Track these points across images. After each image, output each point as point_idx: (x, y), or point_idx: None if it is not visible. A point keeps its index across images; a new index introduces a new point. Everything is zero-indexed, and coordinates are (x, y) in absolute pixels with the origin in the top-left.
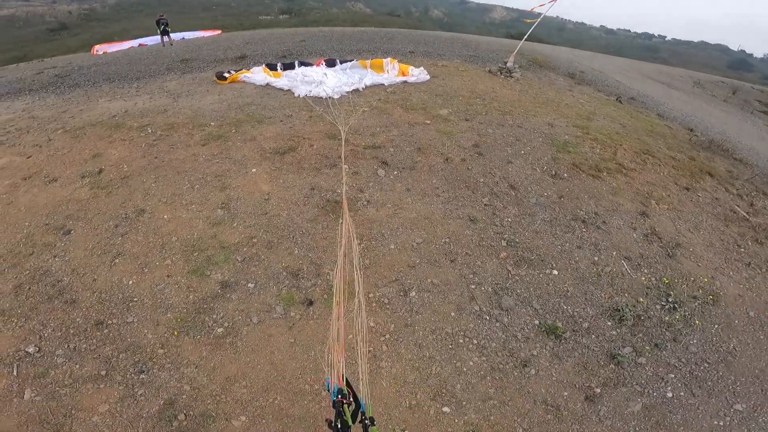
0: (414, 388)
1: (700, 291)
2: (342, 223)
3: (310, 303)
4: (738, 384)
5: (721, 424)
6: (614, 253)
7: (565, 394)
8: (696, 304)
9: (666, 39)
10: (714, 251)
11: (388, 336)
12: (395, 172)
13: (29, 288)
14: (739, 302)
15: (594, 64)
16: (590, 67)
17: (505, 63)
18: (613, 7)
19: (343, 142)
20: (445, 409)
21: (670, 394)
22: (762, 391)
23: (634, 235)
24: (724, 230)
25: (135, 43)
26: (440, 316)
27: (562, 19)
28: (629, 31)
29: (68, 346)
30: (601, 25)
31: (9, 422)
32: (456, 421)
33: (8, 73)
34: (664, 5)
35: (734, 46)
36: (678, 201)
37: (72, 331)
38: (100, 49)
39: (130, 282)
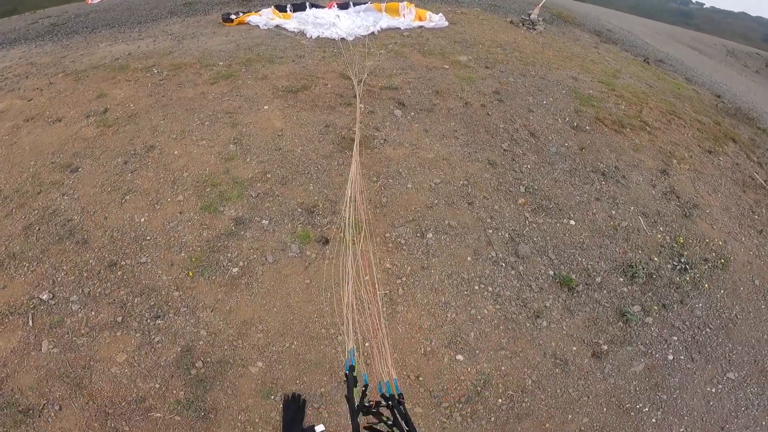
0: (429, 334)
1: (713, 254)
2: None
3: (326, 241)
4: (734, 352)
5: (713, 391)
6: (632, 208)
7: (574, 348)
8: (706, 266)
9: (704, 6)
10: (729, 216)
11: (404, 279)
12: (412, 113)
13: (39, 228)
14: (747, 269)
15: (622, 24)
16: (618, 26)
17: (529, 15)
18: None
19: (359, 88)
20: (459, 357)
21: (671, 357)
22: (755, 361)
23: (653, 191)
24: (741, 196)
25: None
26: (457, 260)
27: None
28: None
29: (82, 291)
30: None
31: (29, 378)
32: (469, 369)
33: (1, 25)
34: None
35: None
36: (699, 163)
37: (85, 275)
38: None
39: (142, 219)
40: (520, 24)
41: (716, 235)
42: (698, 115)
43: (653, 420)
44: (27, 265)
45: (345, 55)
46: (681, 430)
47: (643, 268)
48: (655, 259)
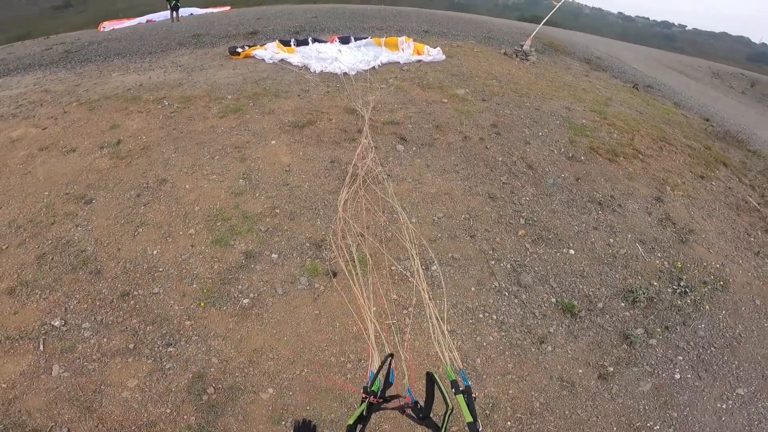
0: (436, 361)
1: (711, 277)
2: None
3: (334, 274)
4: (741, 369)
5: (724, 407)
6: (629, 235)
7: (580, 371)
8: (706, 289)
9: (686, 29)
10: (725, 239)
11: (411, 309)
12: (414, 148)
13: (52, 258)
14: (747, 290)
15: (610, 51)
16: (607, 53)
17: (521, 46)
18: None
19: (367, 120)
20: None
21: (678, 376)
22: (763, 377)
23: (649, 219)
24: (736, 219)
25: (143, 19)
26: (461, 291)
27: (578, 4)
28: (648, 18)
29: (95, 318)
30: (618, 12)
31: (38, 400)
32: (477, 393)
33: (15, 50)
34: None
35: (756, 39)
36: (692, 188)
37: (98, 303)
38: (108, 26)
39: (155, 252)
40: (514, 55)
41: (713, 259)
42: (688, 141)
43: None
44: (39, 292)
45: (348, 90)
46: None
47: (644, 293)
48: (655, 283)
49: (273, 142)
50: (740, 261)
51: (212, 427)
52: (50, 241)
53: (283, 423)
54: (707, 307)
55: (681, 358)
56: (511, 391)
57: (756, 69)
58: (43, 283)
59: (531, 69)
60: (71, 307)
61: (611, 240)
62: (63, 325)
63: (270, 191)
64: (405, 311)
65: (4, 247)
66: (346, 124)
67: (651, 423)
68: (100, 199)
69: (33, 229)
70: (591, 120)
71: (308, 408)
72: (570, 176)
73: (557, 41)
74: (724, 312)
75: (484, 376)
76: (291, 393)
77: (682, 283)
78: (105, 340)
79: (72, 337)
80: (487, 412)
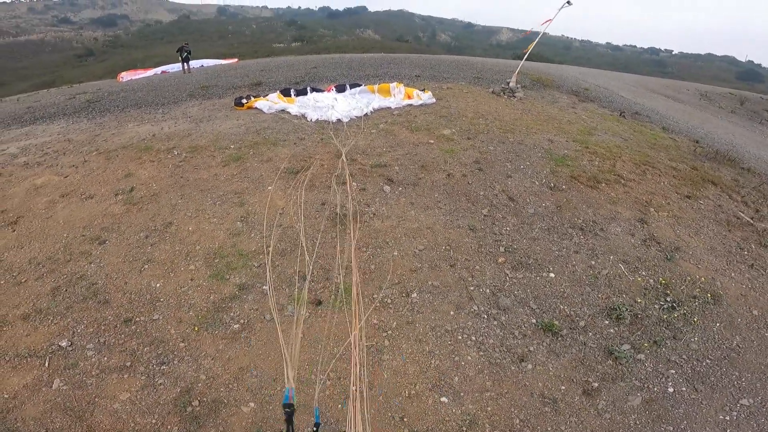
0: (413, 379)
1: (699, 290)
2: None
3: (319, 303)
4: (743, 380)
5: (728, 418)
6: (611, 257)
7: (563, 388)
8: (696, 303)
9: (673, 53)
10: (715, 254)
11: (390, 332)
12: (400, 188)
13: (66, 290)
14: (742, 301)
15: (599, 81)
16: (595, 84)
17: (508, 83)
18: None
19: (344, 158)
20: (443, 399)
21: (671, 389)
22: None
23: (632, 240)
24: (727, 235)
25: (158, 70)
26: (440, 315)
27: (567, 38)
28: (635, 46)
29: (98, 340)
30: (606, 42)
31: (34, 410)
32: (453, 411)
33: (42, 98)
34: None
35: (742, 57)
36: (678, 208)
37: (103, 328)
38: (126, 76)
39: (158, 285)
40: (501, 93)
41: (702, 274)
42: (674, 163)
43: None
44: (51, 318)
45: (341, 137)
46: None
47: (628, 309)
48: (640, 300)
49: (269, 187)
50: (732, 274)
51: None
52: (65, 276)
53: None
54: (698, 320)
55: (673, 371)
56: (489, 408)
57: (746, 87)
58: (56, 310)
59: (517, 105)
60: (78, 330)
61: (593, 262)
62: (69, 346)
63: (264, 232)
64: (384, 333)
65: (23, 281)
66: (337, 169)
67: None
68: (113, 240)
69: (51, 266)
70: (573, 150)
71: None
72: (551, 205)
73: (546, 76)
74: (718, 324)
75: (462, 394)
76: (271, 407)
77: (668, 299)
78: (105, 358)
79: (76, 356)
80: (464, 429)
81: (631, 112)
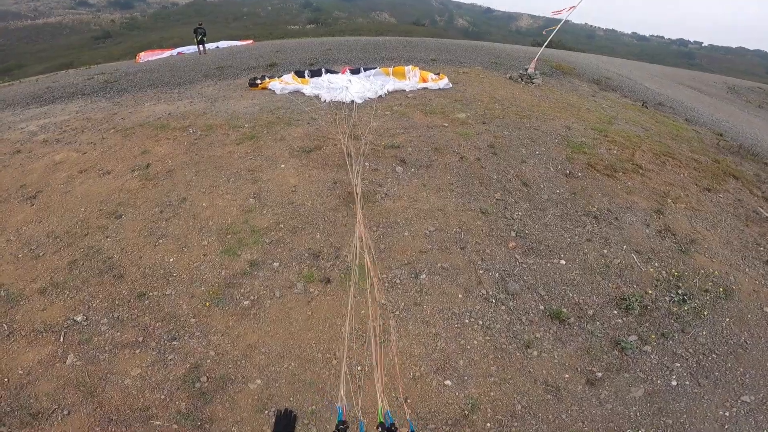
0: (418, 361)
1: (712, 284)
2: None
3: (328, 281)
4: (747, 376)
5: (727, 414)
6: (624, 246)
7: (566, 376)
8: (707, 297)
9: (702, 45)
10: (731, 249)
11: (398, 313)
12: (412, 170)
13: (82, 264)
14: (753, 298)
15: (622, 71)
16: (618, 73)
17: (526, 69)
18: (644, 14)
19: (345, 139)
20: (447, 382)
21: (674, 383)
22: None
23: (647, 231)
24: (744, 230)
25: (174, 51)
26: (448, 298)
27: (591, 26)
28: (663, 37)
29: (112, 315)
30: (632, 32)
31: (48, 386)
32: (457, 394)
33: (60, 79)
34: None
35: None
36: (696, 201)
37: (117, 302)
38: (144, 56)
39: (171, 260)
40: (519, 79)
41: (716, 268)
42: (695, 155)
43: None
44: (67, 293)
45: (354, 118)
46: None
47: (638, 300)
48: (651, 292)
49: (282, 166)
50: (746, 270)
51: (200, 413)
52: (82, 250)
53: (266, 412)
54: (706, 314)
55: (678, 364)
56: (492, 393)
57: None
58: (72, 284)
59: (535, 92)
60: (94, 305)
61: (605, 251)
62: (84, 320)
63: (276, 209)
64: (392, 314)
65: (41, 254)
66: (350, 149)
67: (643, 430)
68: (129, 215)
69: (68, 240)
70: (591, 138)
71: (291, 399)
72: (565, 191)
73: (566, 63)
74: (727, 319)
75: (466, 378)
76: (277, 384)
77: (680, 291)
78: (118, 333)
79: (90, 331)
80: (466, 413)
81: (654, 102)
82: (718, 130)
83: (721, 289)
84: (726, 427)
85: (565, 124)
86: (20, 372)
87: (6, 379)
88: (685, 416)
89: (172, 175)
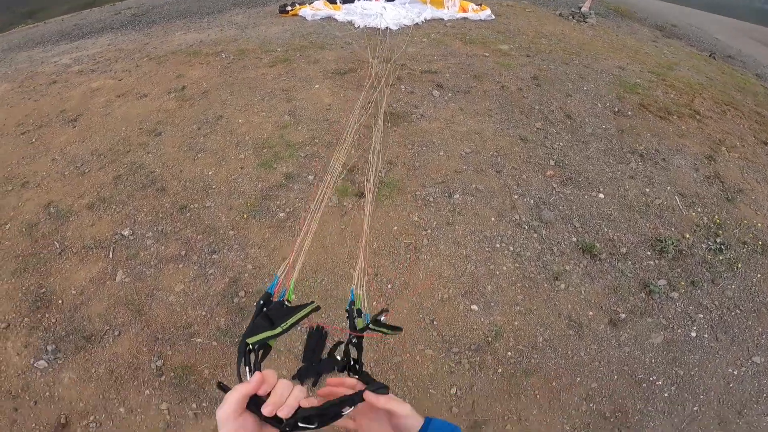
0: (447, 282)
1: (751, 237)
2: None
3: (362, 195)
4: (764, 337)
5: (735, 373)
6: (668, 188)
7: (590, 313)
8: (744, 249)
9: None
10: None
11: (429, 231)
12: (450, 94)
13: (127, 178)
14: None
15: (691, 20)
16: (686, 22)
17: (580, 7)
18: None
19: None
20: (474, 307)
21: (694, 334)
22: None
23: (695, 175)
24: None
25: None
26: (481, 220)
27: None
28: None
29: (156, 228)
30: None
31: (100, 306)
32: (482, 320)
33: (86, 16)
34: None
35: None
36: (752, 153)
37: (161, 216)
38: None
39: (210, 173)
40: (570, 17)
41: (759, 221)
42: (759, 108)
43: (665, 394)
44: (114, 207)
45: (390, 43)
46: (694, 408)
47: (673, 244)
48: (688, 236)
49: (317, 86)
50: None
51: (238, 329)
52: (126, 165)
53: (299, 328)
54: (741, 267)
55: (701, 316)
56: (516, 323)
57: None
58: (118, 199)
59: (587, 31)
60: (139, 219)
61: (647, 190)
62: (131, 234)
63: (311, 125)
64: (424, 232)
65: (86, 171)
66: (385, 73)
67: (654, 377)
68: (168, 132)
69: (112, 156)
70: (647, 80)
71: (323, 316)
72: (612, 128)
73: (625, 5)
74: (759, 275)
75: (492, 304)
76: (310, 299)
77: (718, 240)
78: (163, 247)
79: (136, 246)
80: (489, 340)
81: (723, 55)
82: None
83: (760, 243)
84: (731, 385)
85: (618, 64)
86: (73, 292)
87: (60, 301)
88: (696, 369)
89: (207, 95)
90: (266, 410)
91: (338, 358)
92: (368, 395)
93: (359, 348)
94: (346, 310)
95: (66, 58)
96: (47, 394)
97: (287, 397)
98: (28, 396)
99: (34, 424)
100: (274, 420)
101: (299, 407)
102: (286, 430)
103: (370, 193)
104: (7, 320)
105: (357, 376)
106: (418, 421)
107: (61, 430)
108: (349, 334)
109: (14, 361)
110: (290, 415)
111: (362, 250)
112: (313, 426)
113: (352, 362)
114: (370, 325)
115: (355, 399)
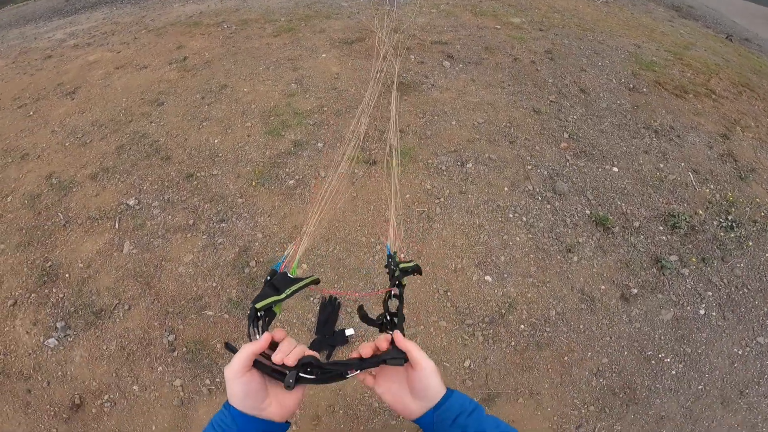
0: (461, 252)
1: (762, 216)
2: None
3: (373, 163)
4: None
5: (740, 353)
6: (682, 164)
7: (603, 287)
8: (754, 228)
9: None
10: None
11: (442, 199)
12: (461, 65)
13: (130, 148)
14: None
15: (709, 2)
16: (703, 3)
17: None
18: None
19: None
20: (488, 277)
21: (702, 312)
22: None
23: (709, 152)
24: None
25: None
26: (494, 189)
27: None
28: None
29: (163, 197)
30: None
31: (108, 279)
32: (496, 291)
33: None
34: None
35: None
36: (766, 133)
37: (167, 184)
38: None
39: (216, 141)
40: None
41: None
42: None
43: (673, 372)
44: (118, 177)
45: (398, 13)
46: (699, 386)
47: (686, 220)
48: (701, 213)
49: (324, 55)
50: None
51: (249, 300)
52: (128, 135)
53: (311, 299)
54: (751, 244)
55: (710, 293)
56: (529, 295)
57: None
58: (122, 168)
59: (602, 7)
60: (144, 188)
61: (661, 165)
62: (137, 204)
63: (319, 93)
64: (437, 200)
65: (88, 141)
66: (394, 42)
67: (663, 354)
68: (171, 102)
69: (113, 127)
70: (663, 58)
71: (336, 286)
72: (627, 103)
73: None
74: (767, 254)
75: (506, 275)
76: (322, 270)
77: (729, 218)
78: (170, 217)
79: (143, 215)
80: (503, 312)
81: (740, 37)
82: None
83: None
84: (735, 365)
85: (634, 42)
86: (80, 265)
87: (67, 275)
88: (703, 347)
89: (210, 65)
90: (276, 357)
91: (372, 318)
92: (397, 335)
93: (401, 299)
94: (385, 266)
95: (60, 33)
96: (59, 373)
97: (293, 349)
98: (40, 377)
99: (48, 406)
100: (279, 375)
101: (303, 356)
102: (290, 382)
103: (394, 159)
104: (14, 296)
105: (391, 333)
106: (440, 386)
107: (76, 410)
108: (393, 286)
109: (24, 340)
110: (295, 364)
111: (392, 212)
112: (313, 377)
113: (388, 318)
114: (398, 276)
115: (365, 364)
